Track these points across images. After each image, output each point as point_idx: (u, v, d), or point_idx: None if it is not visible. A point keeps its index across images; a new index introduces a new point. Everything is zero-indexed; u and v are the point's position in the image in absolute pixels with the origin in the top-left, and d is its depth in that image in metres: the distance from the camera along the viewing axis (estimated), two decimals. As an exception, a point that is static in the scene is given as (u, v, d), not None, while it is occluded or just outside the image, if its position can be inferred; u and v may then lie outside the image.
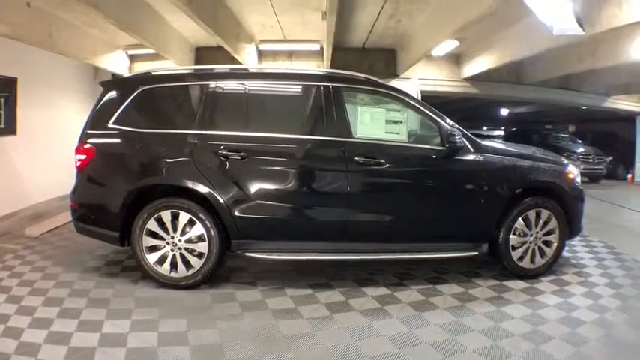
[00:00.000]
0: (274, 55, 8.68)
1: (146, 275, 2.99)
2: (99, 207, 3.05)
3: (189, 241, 2.92)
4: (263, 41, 7.90)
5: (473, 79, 8.97)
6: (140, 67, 7.47)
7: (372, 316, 2.62)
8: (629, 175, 11.24)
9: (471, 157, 3.11)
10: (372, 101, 3.19)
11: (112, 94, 3.13)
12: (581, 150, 10.13)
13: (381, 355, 2.17)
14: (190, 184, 2.86)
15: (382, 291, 3.02)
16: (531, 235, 3.27)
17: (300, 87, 3.16)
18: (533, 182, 3.26)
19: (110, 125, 3.01)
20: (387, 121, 3.11)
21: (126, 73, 7.18)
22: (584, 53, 6.27)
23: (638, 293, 3.04)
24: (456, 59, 9.01)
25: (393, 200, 3.07)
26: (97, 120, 3.09)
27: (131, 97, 3.03)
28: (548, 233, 3.31)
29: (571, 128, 15.38)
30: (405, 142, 3.12)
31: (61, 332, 2.30)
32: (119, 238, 2.96)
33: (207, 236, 2.88)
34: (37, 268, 3.30)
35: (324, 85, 3.05)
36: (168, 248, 2.93)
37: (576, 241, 4.26)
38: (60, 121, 6.27)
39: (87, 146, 3.02)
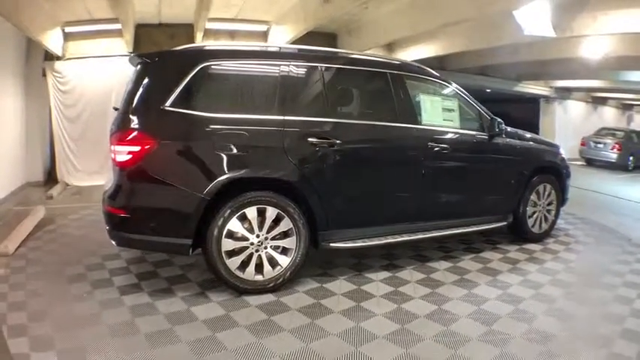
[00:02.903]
0: (216, 34, 8.31)
1: (222, 283, 2.75)
2: (163, 211, 2.63)
3: (274, 238, 2.79)
4: (211, 19, 7.43)
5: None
6: (74, 47, 6.54)
7: (463, 286, 3.00)
8: None
9: (504, 141, 3.69)
10: (427, 90, 3.47)
11: (162, 70, 2.73)
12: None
13: (509, 314, 2.58)
14: (284, 176, 2.74)
15: (445, 264, 3.42)
16: (540, 206, 4.03)
17: (371, 73, 3.23)
18: (543, 162, 4.02)
19: (168, 108, 2.61)
20: (443, 109, 3.43)
21: (60, 53, 6.05)
22: (521, 46, 7.46)
23: (622, 248, 4.01)
24: (388, 45, 9.75)
25: (454, 181, 3.46)
26: (145, 101, 2.64)
27: (192, 75, 2.66)
28: (549, 204, 4.11)
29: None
30: (459, 129, 3.50)
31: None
32: (191, 246, 2.63)
33: (296, 230, 2.81)
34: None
35: (390, 73, 3.21)
36: (252, 249, 2.74)
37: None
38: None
39: (138, 134, 2.57)
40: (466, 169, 3.51)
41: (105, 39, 6.67)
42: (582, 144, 12.32)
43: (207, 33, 7.96)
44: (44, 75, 6.40)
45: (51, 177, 6.70)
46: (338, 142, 2.87)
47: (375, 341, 2.23)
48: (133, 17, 6.55)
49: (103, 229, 4.09)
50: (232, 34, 8.38)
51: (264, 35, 8.31)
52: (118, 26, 6.63)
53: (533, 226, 4.01)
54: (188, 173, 2.63)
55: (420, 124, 3.24)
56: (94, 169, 7.05)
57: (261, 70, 2.93)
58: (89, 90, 6.71)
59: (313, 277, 3.07)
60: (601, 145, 11.66)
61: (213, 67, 2.75)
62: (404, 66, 3.39)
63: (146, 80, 2.67)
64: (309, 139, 2.81)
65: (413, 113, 3.24)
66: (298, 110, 2.87)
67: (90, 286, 2.88)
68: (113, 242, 2.76)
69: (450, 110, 3.48)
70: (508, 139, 3.73)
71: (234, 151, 2.67)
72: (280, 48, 3.13)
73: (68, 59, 6.37)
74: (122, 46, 6.99)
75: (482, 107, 3.66)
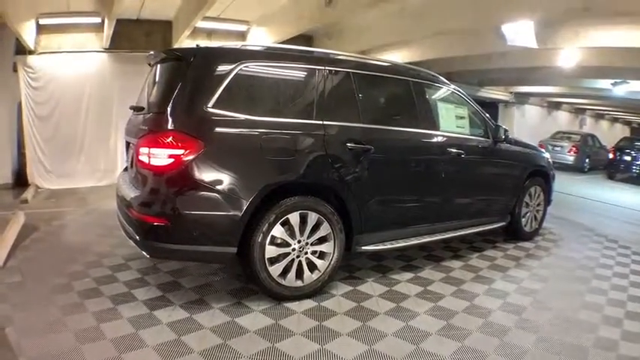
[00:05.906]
0: (194, 32, 8.22)
1: (257, 291, 2.86)
2: (209, 218, 2.58)
3: (312, 243, 2.91)
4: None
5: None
6: (46, 41, 6.26)
7: (482, 282, 3.36)
8: None
9: (506, 147, 4.13)
10: (441, 97, 3.82)
11: (202, 68, 2.67)
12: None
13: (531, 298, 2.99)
14: (329, 181, 2.90)
15: (458, 263, 3.78)
16: (531, 206, 4.53)
17: (396, 81, 3.45)
18: (535, 166, 4.53)
19: (211, 109, 2.60)
20: (456, 116, 3.79)
21: (33, 45, 5.70)
22: (494, 54, 8.07)
23: (601, 244, 4.63)
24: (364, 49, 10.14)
25: (468, 184, 3.82)
26: (187, 101, 2.59)
27: (232, 75, 2.67)
28: (538, 204, 4.63)
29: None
30: (470, 135, 3.88)
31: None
32: (236, 255, 2.68)
33: (334, 235, 2.95)
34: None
35: (412, 81, 3.48)
36: (293, 255, 2.85)
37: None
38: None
39: (181, 136, 2.50)
40: (477, 172, 3.90)
41: (79, 33, 6.40)
42: (540, 147, 13.49)
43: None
44: (15, 70, 6.03)
45: (20, 179, 6.36)
46: (373, 147, 3.06)
47: (431, 337, 2.49)
48: (117, 11, 6.33)
49: (95, 235, 4.13)
50: (210, 34, 8.34)
51: (242, 36, 8.38)
52: (94, 20, 6.40)
53: (525, 225, 4.51)
54: (236, 178, 2.61)
55: (440, 130, 3.57)
56: (64, 171, 6.75)
57: (299, 74, 2.98)
58: (62, 87, 6.42)
59: (342, 281, 3.25)
60: (558, 148, 12.85)
61: (252, 67, 2.77)
62: (422, 73, 3.68)
63: (184, 79, 2.63)
64: (348, 145, 2.97)
65: (434, 120, 3.56)
66: (335, 115, 2.97)
67: (110, 301, 2.75)
68: (145, 253, 2.64)
69: (461, 117, 3.84)
70: (509, 145, 4.17)
71: (281, 155, 2.74)
72: (315, 52, 3.23)
73: (41, 53, 6.03)
74: (96, 41, 6.73)
75: (486, 114, 4.07)
